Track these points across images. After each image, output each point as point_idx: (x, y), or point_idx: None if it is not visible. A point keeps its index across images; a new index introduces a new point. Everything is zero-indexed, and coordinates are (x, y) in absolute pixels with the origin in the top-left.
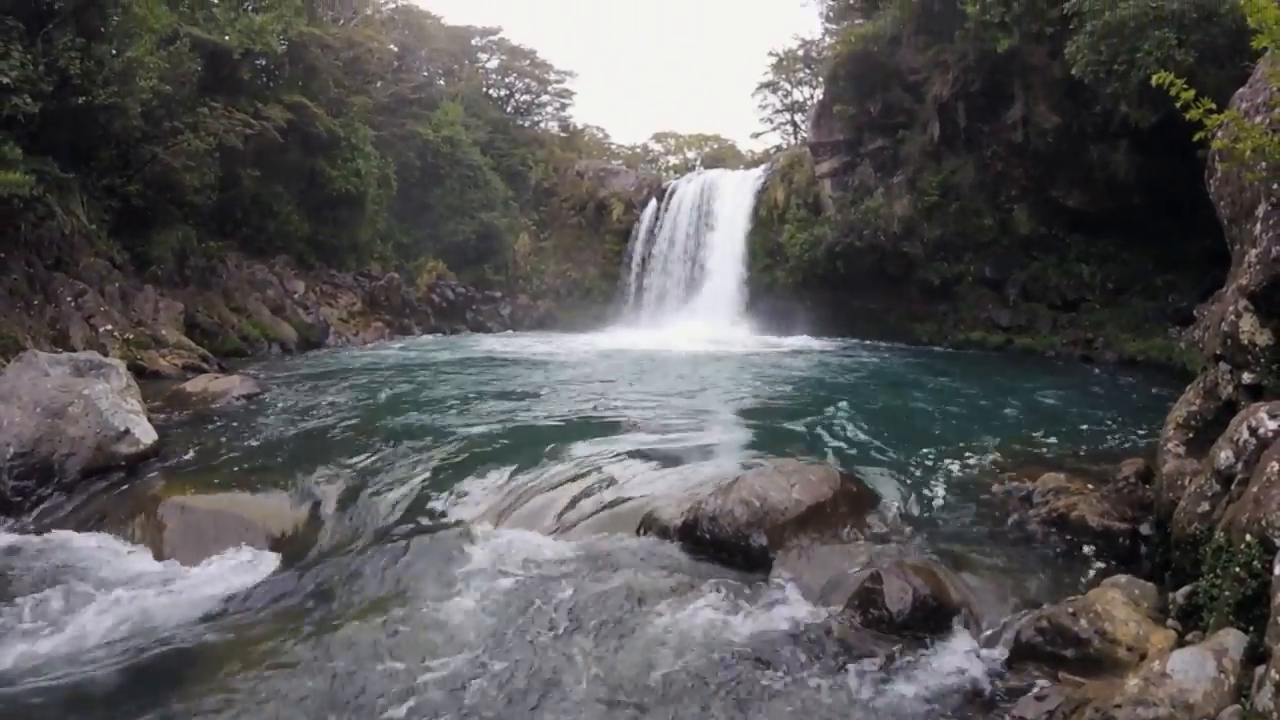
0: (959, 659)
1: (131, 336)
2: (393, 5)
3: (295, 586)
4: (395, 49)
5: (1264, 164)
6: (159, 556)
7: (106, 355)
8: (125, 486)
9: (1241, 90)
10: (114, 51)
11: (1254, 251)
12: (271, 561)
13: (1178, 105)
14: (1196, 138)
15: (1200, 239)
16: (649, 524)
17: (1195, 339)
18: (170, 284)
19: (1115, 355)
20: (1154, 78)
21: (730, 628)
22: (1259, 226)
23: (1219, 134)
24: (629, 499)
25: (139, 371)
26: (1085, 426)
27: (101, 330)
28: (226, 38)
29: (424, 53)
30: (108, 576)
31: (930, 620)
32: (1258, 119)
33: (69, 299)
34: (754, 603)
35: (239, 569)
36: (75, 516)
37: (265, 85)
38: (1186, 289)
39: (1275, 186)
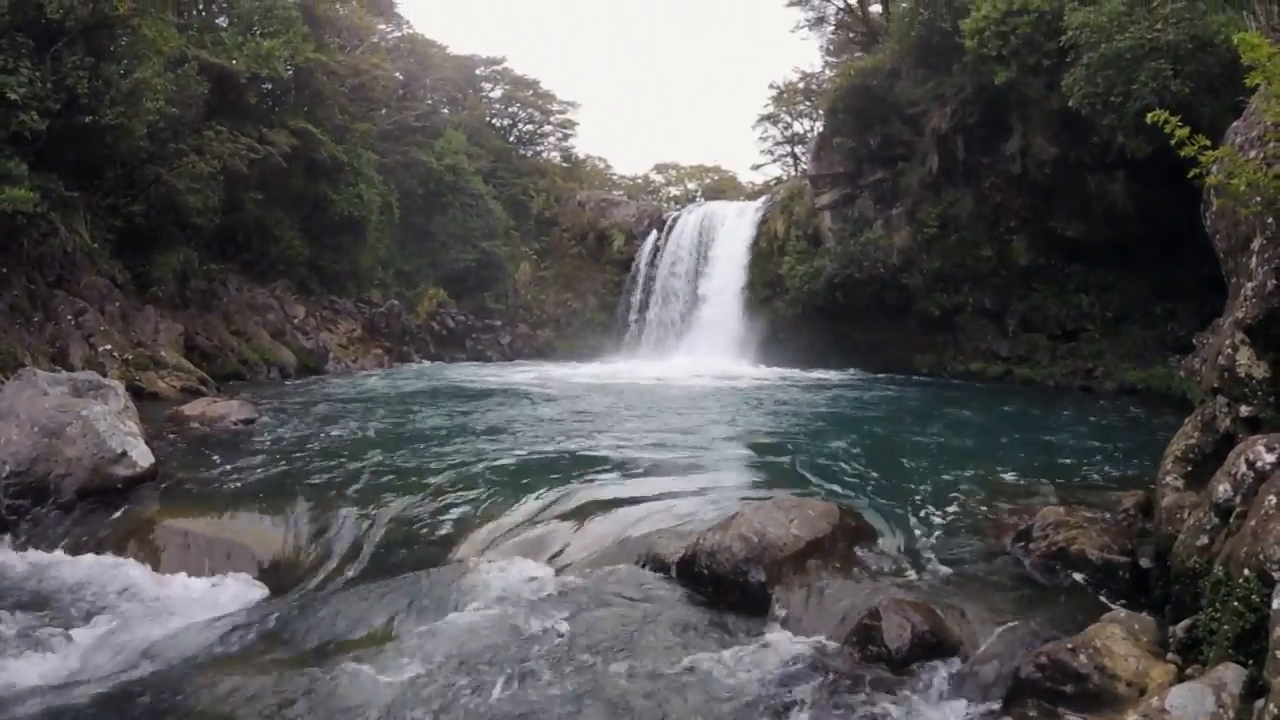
0: (958, 696)
1: (131, 357)
2: (399, 34)
3: (286, 614)
4: (400, 77)
5: (1259, 198)
6: (152, 580)
7: (105, 375)
8: (121, 509)
9: (1236, 124)
10: (122, 72)
11: (1250, 285)
12: (264, 588)
13: (1172, 142)
14: (1192, 174)
15: (1198, 267)
16: (646, 559)
17: (1195, 367)
18: (171, 305)
19: (1115, 385)
20: (1149, 115)
21: (726, 665)
22: (1254, 260)
23: (1214, 169)
24: (626, 534)
25: (137, 393)
26: (1085, 458)
27: (101, 350)
28: (234, 62)
29: (428, 81)
30: (100, 598)
31: (929, 657)
32: (1252, 153)
33: (69, 317)
34: (751, 639)
35: (232, 594)
36: (70, 537)
37: (271, 110)
38: (1186, 317)
39: (1270, 220)
